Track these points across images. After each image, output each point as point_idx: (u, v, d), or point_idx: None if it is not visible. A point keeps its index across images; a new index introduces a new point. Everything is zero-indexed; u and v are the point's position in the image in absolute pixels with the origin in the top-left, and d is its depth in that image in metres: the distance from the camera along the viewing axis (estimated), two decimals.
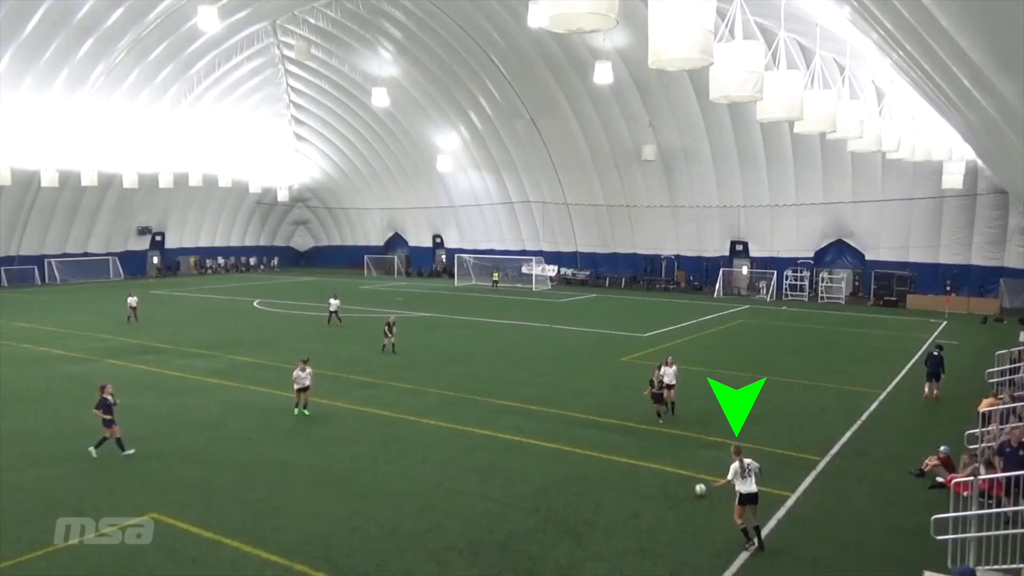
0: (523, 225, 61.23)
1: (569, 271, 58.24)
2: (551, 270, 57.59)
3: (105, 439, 15.32)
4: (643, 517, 12.45)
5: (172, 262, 66.35)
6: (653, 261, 55.43)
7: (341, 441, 16.65)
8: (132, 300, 35.81)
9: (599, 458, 15.50)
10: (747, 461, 11.45)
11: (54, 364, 25.36)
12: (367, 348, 27.99)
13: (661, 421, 18.11)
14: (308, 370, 18.71)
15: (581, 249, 58.77)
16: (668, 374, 18.84)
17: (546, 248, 59.87)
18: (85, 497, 13.16)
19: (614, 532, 11.91)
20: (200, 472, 14.54)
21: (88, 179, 49.28)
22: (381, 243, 71.76)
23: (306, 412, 18.65)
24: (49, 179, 47.79)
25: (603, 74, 36.39)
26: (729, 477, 11.54)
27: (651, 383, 18.33)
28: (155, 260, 65.24)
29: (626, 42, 41.52)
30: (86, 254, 59.23)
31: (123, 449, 15.31)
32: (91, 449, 15.29)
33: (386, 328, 27.83)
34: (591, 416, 18.82)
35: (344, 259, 73.19)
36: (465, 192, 63.13)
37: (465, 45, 49.06)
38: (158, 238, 64.97)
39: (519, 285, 55.19)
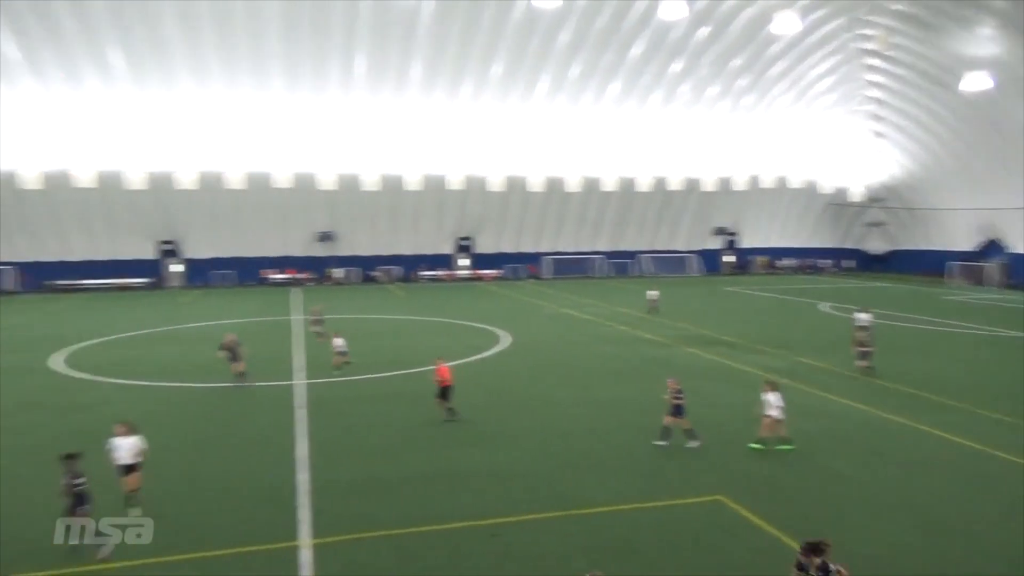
0: None
1: None
2: None
3: (668, 428, 16.46)
4: None
5: (744, 261, 70.15)
6: None
7: (912, 465, 15.26)
8: (653, 294, 39.38)
9: None
10: None
11: (642, 346, 29.52)
12: (946, 365, 24.82)
13: None
14: (770, 396, 16.08)
15: None
16: None
17: None
18: (661, 473, 15.02)
19: None
20: (764, 466, 15.08)
21: (677, 184, 56.24)
22: (970, 248, 62.54)
23: (788, 447, 16.02)
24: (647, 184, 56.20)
25: None
26: None
27: None
28: (727, 259, 69.80)
29: None
30: (672, 251, 67.31)
31: (693, 439, 16.37)
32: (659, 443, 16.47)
33: (858, 349, 24.23)
34: None
35: (922, 265, 66.08)
36: None
37: None
38: (731, 238, 69.33)
39: None
